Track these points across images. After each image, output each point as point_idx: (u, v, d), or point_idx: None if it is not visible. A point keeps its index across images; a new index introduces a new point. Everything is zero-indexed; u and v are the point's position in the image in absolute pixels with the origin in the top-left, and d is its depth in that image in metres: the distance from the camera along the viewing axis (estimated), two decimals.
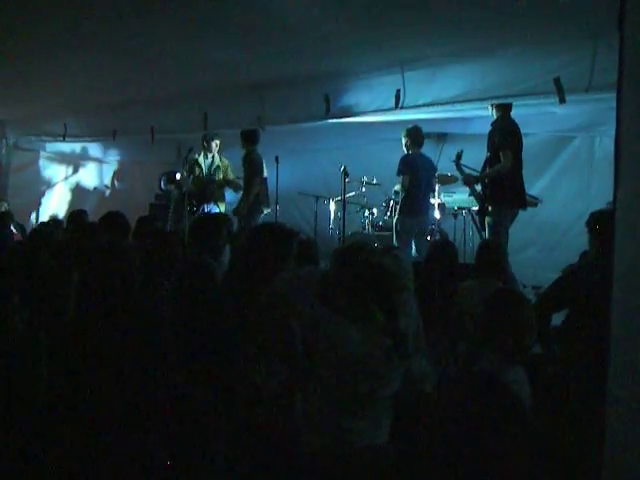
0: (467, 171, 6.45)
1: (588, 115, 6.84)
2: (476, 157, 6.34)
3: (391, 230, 7.14)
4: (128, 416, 2.62)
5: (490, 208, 6.02)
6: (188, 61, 5.74)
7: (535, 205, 7.14)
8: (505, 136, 5.86)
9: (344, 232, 7.41)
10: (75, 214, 6.46)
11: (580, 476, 2.23)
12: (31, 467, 2.63)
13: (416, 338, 2.99)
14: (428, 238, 7.09)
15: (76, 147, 10.21)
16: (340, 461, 2.37)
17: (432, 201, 7.26)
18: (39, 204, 10.25)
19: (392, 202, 7.46)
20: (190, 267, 3.83)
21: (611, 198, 1.51)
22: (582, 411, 2.58)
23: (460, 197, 7.48)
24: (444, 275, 4.36)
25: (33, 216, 9.94)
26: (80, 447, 2.59)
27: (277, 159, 7.54)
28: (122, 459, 2.58)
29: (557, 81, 4.75)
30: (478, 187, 6.25)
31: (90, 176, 10.92)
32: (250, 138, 7.70)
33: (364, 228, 8.10)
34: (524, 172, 6.17)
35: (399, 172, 6.88)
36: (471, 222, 7.16)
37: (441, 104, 5.66)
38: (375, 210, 8.13)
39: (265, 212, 7.84)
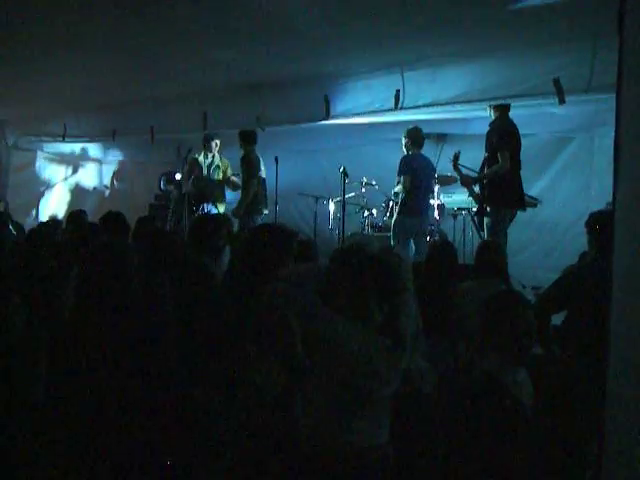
0: (465, 172, 6.45)
1: (587, 116, 6.84)
2: (476, 158, 6.34)
3: (390, 231, 7.15)
4: (128, 416, 2.62)
5: (488, 209, 6.03)
6: (188, 61, 5.74)
7: (535, 206, 7.14)
8: (503, 137, 5.86)
9: (343, 233, 7.41)
10: (74, 214, 6.45)
11: (580, 476, 2.23)
12: (31, 467, 2.63)
13: (416, 338, 2.99)
14: (427, 239, 7.10)
15: (75, 147, 10.21)
16: (340, 461, 2.37)
17: (431, 202, 7.26)
18: (38, 204, 10.25)
19: (392, 203, 7.46)
20: (190, 268, 3.84)
21: (610, 199, 1.51)
22: (582, 411, 2.59)
23: (460, 198, 7.49)
24: (444, 276, 4.36)
25: (32, 216, 9.94)
26: (80, 447, 2.59)
27: (277, 159, 7.55)
28: (122, 459, 2.58)
29: (557, 82, 4.76)
30: (476, 188, 6.25)
31: (90, 176, 10.91)
32: (248, 138, 7.72)
33: (363, 229, 8.10)
34: (524, 173, 6.18)
35: (400, 172, 6.88)
36: (471, 222, 7.15)
37: (441, 105, 5.67)
38: (374, 211, 8.13)
39: (265, 212, 7.85)
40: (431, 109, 5.85)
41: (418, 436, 2.79)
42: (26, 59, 5.77)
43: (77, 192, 10.63)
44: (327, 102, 6.12)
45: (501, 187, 5.91)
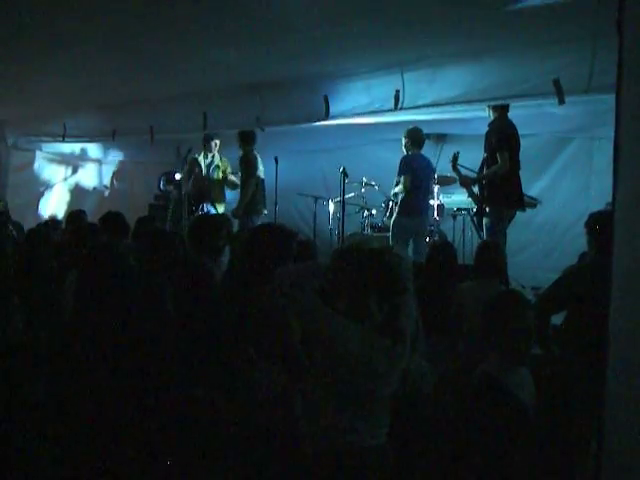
0: (464, 172, 6.45)
1: (587, 116, 6.84)
2: (475, 158, 6.35)
3: (390, 231, 7.15)
4: (127, 415, 2.62)
5: (487, 209, 6.03)
6: (187, 61, 5.74)
7: (534, 206, 7.15)
8: (502, 137, 5.87)
9: (343, 233, 7.41)
10: (74, 214, 6.45)
11: (579, 476, 2.23)
12: (31, 467, 2.64)
13: (415, 338, 2.99)
14: (427, 239, 7.10)
15: (75, 147, 10.21)
16: (339, 461, 2.37)
17: (431, 202, 7.26)
18: (38, 204, 10.24)
19: (391, 203, 7.46)
20: (189, 268, 3.84)
21: (610, 199, 1.51)
22: (581, 411, 2.59)
23: (459, 198, 7.49)
24: (444, 276, 4.37)
25: (32, 216, 9.93)
26: (80, 447, 2.59)
27: (276, 160, 7.56)
28: (122, 459, 2.58)
29: (556, 82, 4.76)
30: (475, 188, 6.26)
31: (89, 176, 10.91)
32: (247, 139, 7.75)
33: (363, 229, 8.10)
34: (523, 173, 6.18)
35: (400, 172, 6.89)
36: (470, 223, 7.16)
37: (440, 105, 5.67)
38: (374, 211, 8.14)
39: (264, 212, 7.86)
40: (431, 109, 5.85)
41: (417, 436, 2.79)
42: (26, 59, 5.77)
43: (77, 192, 10.63)
44: (327, 102, 6.12)
45: (500, 187, 5.91)
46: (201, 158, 8.37)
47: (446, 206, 7.62)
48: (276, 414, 2.71)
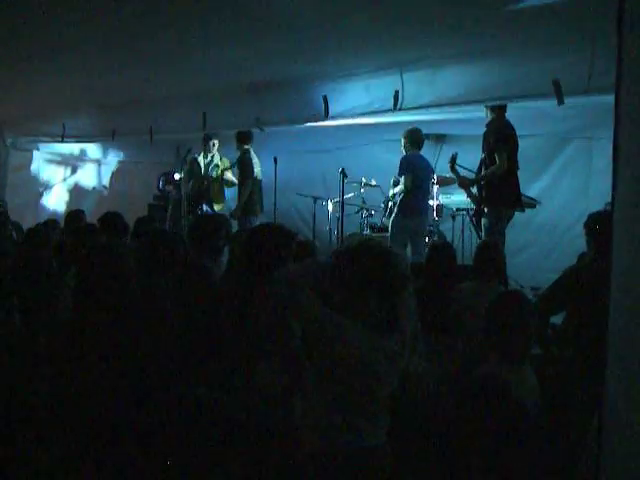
0: (463, 173, 6.46)
1: (586, 117, 6.85)
2: (475, 158, 6.35)
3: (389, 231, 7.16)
4: (128, 415, 2.62)
5: (486, 209, 6.04)
6: (187, 61, 5.74)
7: (533, 207, 7.15)
8: (500, 137, 5.87)
9: (342, 233, 7.41)
10: (73, 214, 6.45)
11: (579, 476, 2.23)
12: (31, 467, 2.63)
13: (415, 339, 2.99)
14: (426, 240, 7.10)
15: (74, 147, 10.20)
16: (338, 461, 2.37)
17: (430, 202, 7.27)
18: (37, 204, 10.23)
19: (390, 203, 7.47)
20: (189, 268, 3.84)
21: (609, 200, 1.51)
22: (580, 411, 2.59)
23: (458, 198, 7.49)
24: (443, 276, 4.37)
25: (31, 216, 9.92)
26: (80, 447, 2.58)
27: (275, 160, 7.56)
28: (122, 459, 2.58)
29: (556, 83, 4.76)
30: (474, 189, 6.26)
31: (88, 176, 10.90)
32: (242, 138, 7.78)
33: (362, 229, 8.10)
34: (523, 174, 6.18)
35: (401, 172, 6.89)
36: (470, 223, 7.15)
37: (440, 105, 5.67)
38: (373, 211, 8.14)
39: (261, 213, 7.89)
40: (430, 110, 5.85)
41: (417, 436, 2.79)
42: (25, 59, 5.76)
43: (76, 192, 10.62)
44: (326, 102, 6.11)
45: (498, 187, 5.92)
46: (201, 158, 8.40)
47: (445, 206, 7.62)
48: (276, 414, 2.71)
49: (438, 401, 2.81)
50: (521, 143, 6.15)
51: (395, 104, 5.68)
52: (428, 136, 7.73)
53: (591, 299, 3.26)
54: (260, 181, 8.03)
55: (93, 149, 10.46)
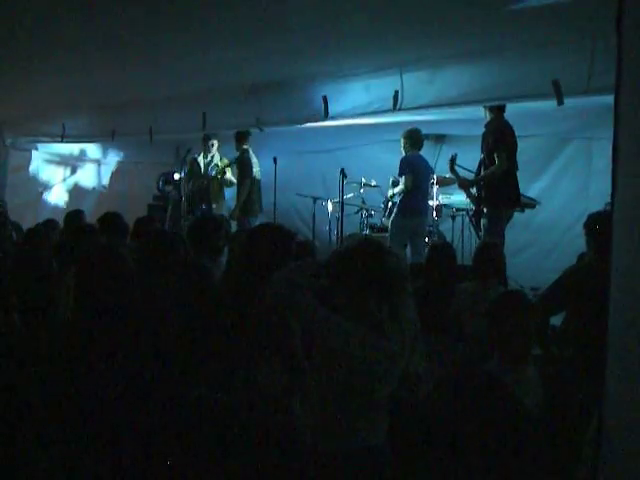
0: (462, 173, 6.46)
1: (586, 117, 6.85)
2: (475, 159, 6.36)
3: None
4: (127, 416, 2.62)
5: (485, 210, 6.04)
6: (187, 62, 5.74)
7: (533, 207, 7.15)
8: (499, 138, 5.88)
9: (342, 233, 7.41)
10: (72, 214, 6.45)
11: (578, 476, 2.23)
12: (31, 467, 2.63)
13: (414, 339, 2.99)
14: (426, 240, 7.10)
15: (74, 147, 10.20)
16: (338, 461, 2.37)
17: (430, 203, 7.27)
18: (37, 204, 10.23)
19: (390, 204, 7.47)
20: (189, 268, 3.84)
21: (609, 200, 1.51)
22: (580, 411, 2.59)
23: (458, 198, 7.50)
24: (444, 276, 4.37)
25: (31, 216, 9.93)
26: (80, 448, 2.58)
27: (275, 160, 7.56)
28: (122, 459, 2.57)
29: (555, 83, 4.75)
30: (473, 190, 6.26)
31: (88, 177, 10.90)
32: (240, 138, 7.79)
33: (362, 229, 8.10)
34: (522, 174, 6.18)
35: (401, 172, 6.89)
36: (469, 224, 7.16)
37: (439, 106, 5.67)
38: (373, 212, 8.14)
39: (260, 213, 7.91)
40: (430, 110, 5.85)
41: (416, 437, 2.79)
42: (25, 59, 5.76)
43: (75, 192, 10.62)
44: (326, 103, 6.11)
45: (498, 188, 5.92)
46: (200, 158, 8.41)
47: (445, 207, 7.62)
48: (276, 414, 2.71)
49: (438, 401, 2.81)
50: (521, 143, 6.15)
51: (395, 104, 5.68)
52: (428, 136, 7.73)
53: (591, 299, 3.25)
54: (259, 181, 8.04)
55: (93, 149, 10.46)
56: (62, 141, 8.94)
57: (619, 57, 1.44)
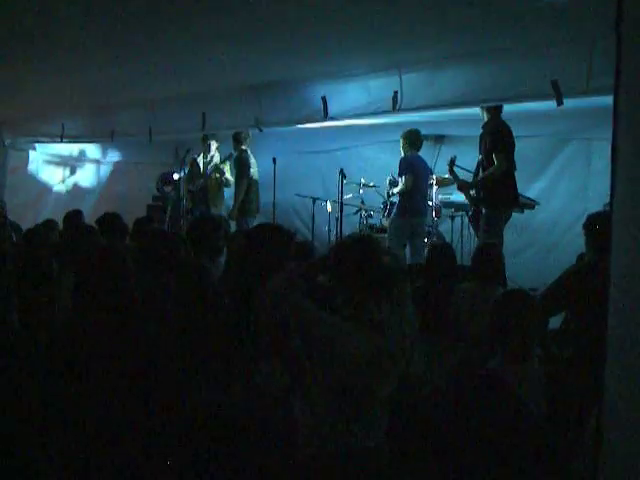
0: (461, 174, 6.47)
1: (585, 118, 6.85)
2: (474, 159, 6.37)
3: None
4: (126, 416, 2.62)
5: (484, 210, 6.04)
6: (186, 62, 5.74)
7: (532, 207, 7.16)
8: (496, 137, 5.88)
9: (341, 234, 7.41)
10: (71, 214, 6.45)
11: (578, 475, 2.23)
12: (31, 467, 2.63)
13: (413, 340, 2.99)
14: (425, 240, 7.11)
15: (73, 147, 10.20)
16: (337, 461, 2.37)
17: (429, 203, 7.27)
18: (36, 205, 10.23)
19: (389, 204, 7.48)
20: (188, 269, 3.84)
21: (608, 200, 1.51)
22: (579, 411, 2.59)
23: (457, 199, 7.50)
24: (443, 277, 4.37)
25: (30, 216, 9.93)
26: (80, 449, 2.58)
27: (274, 160, 7.56)
28: (121, 459, 2.57)
29: (554, 83, 4.75)
30: (472, 192, 6.27)
31: (87, 177, 10.91)
32: (238, 138, 7.80)
33: (361, 230, 8.11)
34: (521, 174, 6.19)
35: (401, 173, 6.90)
36: (469, 224, 7.16)
37: (439, 106, 5.67)
38: (372, 212, 8.14)
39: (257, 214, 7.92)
40: (429, 111, 5.86)
41: (416, 437, 2.79)
42: (24, 59, 5.76)
43: (75, 193, 10.63)
44: (325, 103, 6.12)
45: (496, 188, 5.92)
46: (200, 159, 8.42)
47: (444, 207, 7.62)
48: (276, 414, 2.71)
49: (437, 401, 2.81)
50: (520, 144, 6.16)
51: (394, 105, 5.68)
52: (427, 137, 7.74)
53: (590, 299, 3.26)
54: (257, 181, 8.04)
55: (92, 149, 10.47)
56: (61, 141, 8.95)
57: (618, 58, 1.44)
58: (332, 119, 6.25)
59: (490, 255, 4.46)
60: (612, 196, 1.46)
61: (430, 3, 4.11)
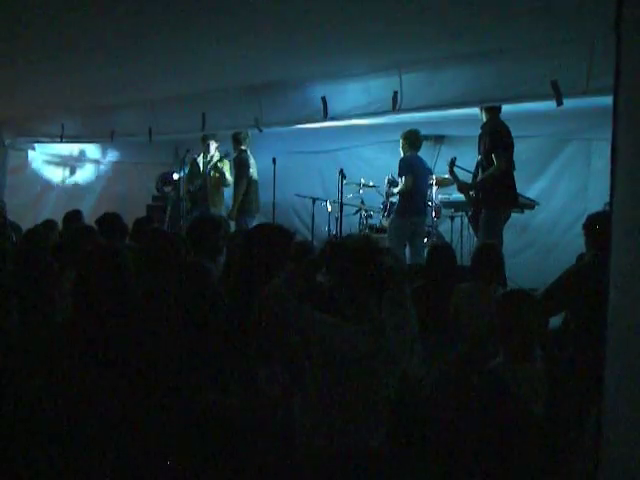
0: (462, 174, 6.47)
1: (585, 118, 6.85)
2: (473, 160, 6.37)
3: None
4: (126, 416, 2.62)
5: (483, 211, 6.04)
6: (186, 62, 5.74)
7: (532, 208, 7.16)
8: (496, 138, 5.89)
9: (341, 234, 7.41)
10: (71, 215, 6.45)
11: (578, 475, 2.23)
12: (31, 467, 2.63)
13: (413, 341, 2.99)
14: (425, 240, 7.11)
15: (73, 148, 10.20)
16: (337, 462, 2.37)
17: (429, 203, 7.28)
18: (36, 205, 10.23)
19: (389, 204, 7.48)
20: (188, 269, 3.84)
21: (608, 200, 1.51)
22: (579, 411, 2.59)
23: (458, 198, 7.51)
24: (444, 277, 4.37)
25: (30, 216, 9.92)
26: (78, 448, 2.58)
27: (274, 160, 7.56)
28: (121, 459, 2.57)
29: (554, 84, 4.76)
30: (472, 193, 6.27)
31: (87, 177, 10.91)
32: (237, 139, 7.80)
33: (361, 230, 8.11)
34: (521, 175, 6.19)
35: (401, 173, 6.90)
36: (469, 224, 7.16)
37: (439, 106, 5.67)
38: (372, 212, 8.14)
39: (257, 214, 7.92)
40: (429, 111, 5.86)
41: (416, 438, 2.79)
42: (25, 60, 5.76)
43: (75, 193, 10.62)
44: (325, 103, 6.12)
45: (495, 188, 5.92)
46: (200, 159, 8.42)
47: (444, 207, 7.62)
48: (276, 414, 2.71)
49: (437, 402, 2.81)
50: (520, 144, 6.16)
51: (394, 105, 5.68)
52: (427, 137, 7.74)
53: (590, 299, 3.26)
54: (256, 182, 8.04)
55: (92, 150, 10.47)
56: (61, 141, 8.95)
57: (618, 58, 1.44)
58: (332, 119, 6.25)
59: (490, 255, 4.46)
60: (612, 196, 1.46)
61: (430, 3, 4.11)
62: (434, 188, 7.28)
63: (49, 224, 6.57)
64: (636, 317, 1.35)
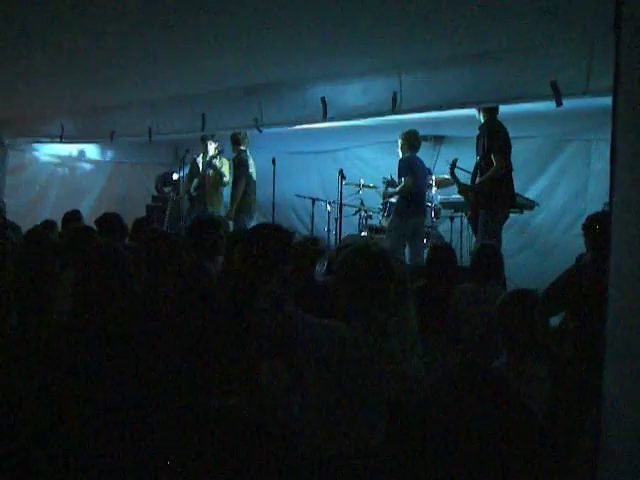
0: (461, 176, 6.47)
1: (585, 119, 6.85)
2: (473, 160, 6.36)
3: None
4: (126, 415, 2.62)
5: (482, 211, 6.05)
6: (186, 63, 5.74)
7: (532, 208, 7.17)
8: (494, 139, 5.89)
9: (341, 234, 7.41)
10: (70, 215, 6.45)
11: (578, 475, 2.23)
12: (30, 467, 2.63)
13: (413, 342, 2.99)
14: (424, 241, 7.11)
15: (73, 148, 10.20)
16: (337, 462, 2.37)
17: (428, 203, 7.28)
18: (36, 205, 10.23)
19: (388, 204, 7.48)
20: (188, 268, 3.84)
21: (607, 200, 1.51)
22: (579, 411, 2.60)
23: (457, 199, 7.51)
24: (444, 278, 4.38)
25: (29, 217, 9.92)
26: (79, 448, 2.58)
27: (274, 161, 7.56)
28: (122, 459, 2.57)
29: (554, 84, 4.76)
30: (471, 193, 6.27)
31: (86, 177, 10.91)
32: (236, 139, 7.81)
33: (361, 231, 8.11)
34: (521, 175, 6.19)
35: (401, 174, 6.90)
36: (468, 225, 7.17)
37: (438, 107, 5.67)
38: (372, 213, 8.14)
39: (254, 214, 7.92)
40: (428, 111, 5.86)
41: (415, 438, 2.79)
42: (23, 60, 5.76)
43: (74, 193, 10.62)
44: (324, 104, 6.12)
45: (493, 189, 5.93)
46: (200, 159, 8.43)
47: (443, 208, 7.63)
48: (276, 414, 2.71)
49: (437, 402, 2.81)
50: (519, 145, 6.16)
51: (393, 106, 5.68)
52: (426, 137, 7.74)
53: (589, 300, 3.26)
54: (255, 182, 8.05)
55: (91, 150, 10.46)
56: (61, 141, 8.94)
57: (617, 58, 1.44)
58: (332, 120, 6.25)
59: (489, 255, 4.47)
60: (611, 196, 1.46)
61: (430, 3, 4.11)
62: (433, 189, 7.28)
63: (49, 224, 6.57)
64: (636, 317, 1.35)
